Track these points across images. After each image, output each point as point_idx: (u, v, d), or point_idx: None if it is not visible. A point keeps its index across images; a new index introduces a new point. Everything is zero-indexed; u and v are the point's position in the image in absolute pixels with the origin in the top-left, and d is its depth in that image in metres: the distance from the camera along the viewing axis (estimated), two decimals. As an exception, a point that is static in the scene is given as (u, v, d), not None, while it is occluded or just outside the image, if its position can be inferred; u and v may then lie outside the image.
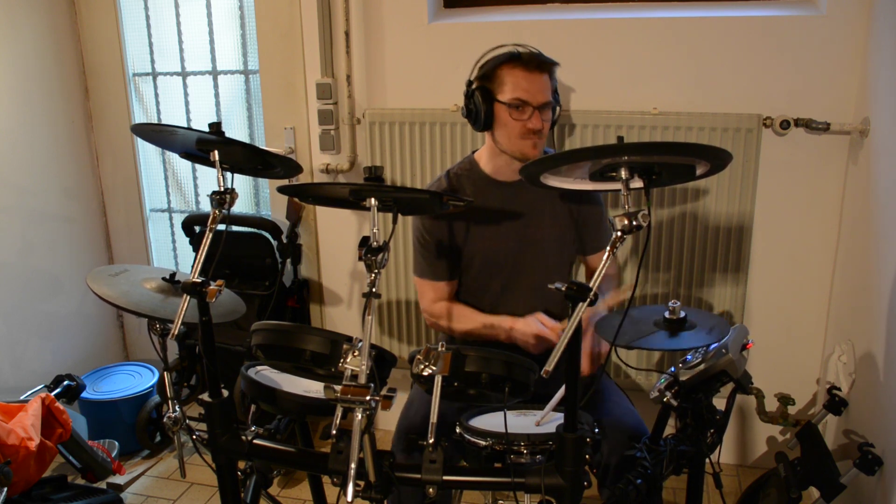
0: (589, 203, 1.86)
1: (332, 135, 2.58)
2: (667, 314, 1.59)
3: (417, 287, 1.91)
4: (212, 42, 2.77)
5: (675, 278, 2.35)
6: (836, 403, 1.97)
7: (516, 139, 1.72)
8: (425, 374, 1.27)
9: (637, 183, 1.27)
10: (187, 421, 1.66)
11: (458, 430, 1.40)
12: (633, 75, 2.29)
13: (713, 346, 1.63)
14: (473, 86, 1.77)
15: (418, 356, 1.29)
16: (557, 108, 1.81)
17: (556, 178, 1.42)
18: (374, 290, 1.23)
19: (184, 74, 2.85)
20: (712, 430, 1.62)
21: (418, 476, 1.26)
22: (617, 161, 1.23)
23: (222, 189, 1.45)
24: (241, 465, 1.57)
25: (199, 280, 1.36)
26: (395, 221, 1.37)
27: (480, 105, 1.73)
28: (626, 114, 2.27)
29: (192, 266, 1.39)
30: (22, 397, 2.24)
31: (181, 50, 2.82)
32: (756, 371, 1.86)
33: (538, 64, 1.71)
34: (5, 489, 1.82)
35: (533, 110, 1.69)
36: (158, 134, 1.65)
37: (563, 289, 1.17)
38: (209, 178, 2.96)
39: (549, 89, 1.74)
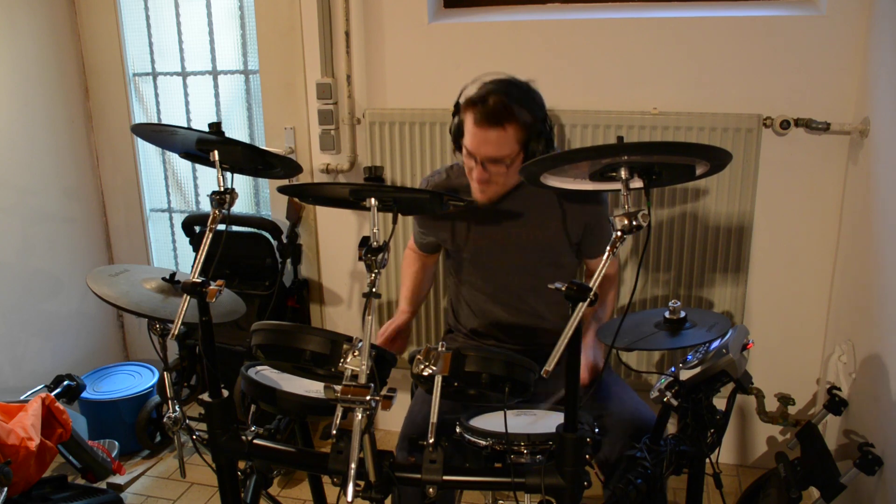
0: (595, 203, 1.84)
1: (332, 135, 2.58)
2: (667, 314, 1.60)
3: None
4: (212, 42, 2.77)
5: (675, 278, 2.35)
6: (836, 403, 1.97)
7: (469, 178, 1.75)
8: (425, 374, 1.27)
9: (637, 183, 1.27)
10: (187, 421, 1.66)
11: (458, 430, 1.40)
12: (633, 75, 2.29)
13: (714, 345, 1.63)
14: (457, 111, 1.75)
15: (418, 356, 1.29)
16: (532, 149, 1.66)
17: (556, 178, 1.42)
18: (374, 290, 1.23)
19: (184, 74, 2.85)
20: (712, 430, 1.62)
21: (418, 476, 1.26)
22: (617, 161, 1.23)
23: (222, 189, 1.45)
24: (241, 465, 1.57)
25: (199, 280, 1.36)
26: (395, 221, 1.37)
27: (454, 132, 1.76)
28: (626, 114, 2.27)
29: (192, 266, 1.39)
30: (22, 397, 2.24)
31: (181, 50, 2.83)
32: (756, 371, 1.86)
33: (486, 120, 1.61)
34: (5, 489, 1.82)
35: (477, 162, 1.67)
36: (158, 134, 1.65)
37: (563, 289, 1.17)
38: (209, 178, 2.96)
39: (504, 146, 1.63)
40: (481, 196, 1.75)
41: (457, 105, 1.74)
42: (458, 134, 1.74)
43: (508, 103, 1.61)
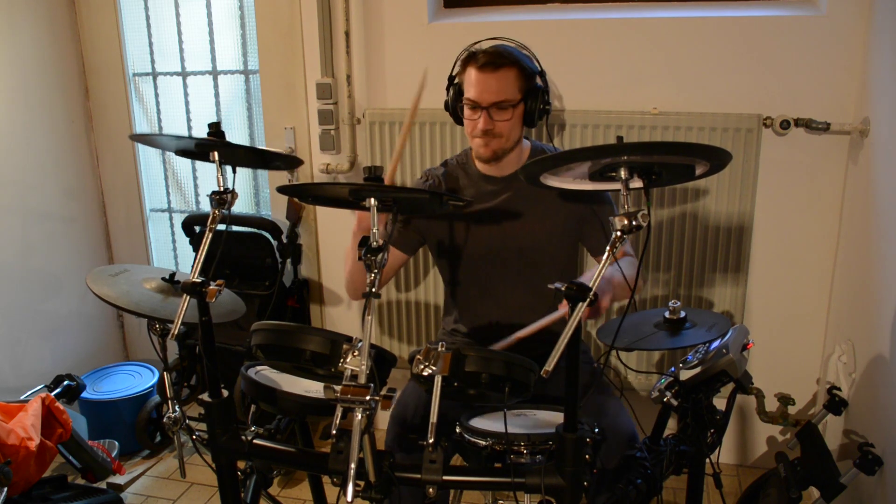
0: (595, 201, 1.83)
1: (332, 135, 2.58)
2: (667, 314, 1.59)
3: None
4: (212, 42, 2.77)
5: (675, 278, 2.35)
6: (836, 403, 1.97)
7: (470, 137, 1.79)
8: (425, 374, 1.27)
9: (637, 183, 1.27)
10: (187, 421, 1.66)
11: (458, 430, 1.40)
12: (633, 75, 2.29)
13: (714, 345, 1.63)
14: (453, 81, 1.84)
15: (418, 356, 1.29)
16: (531, 104, 1.76)
17: (555, 178, 1.42)
18: (373, 290, 1.22)
19: (184, 74, 2.85)
20: (712, 430, 1.62)
21: (418, 476, 1.26)
22: (617, 161, 1.23)
23: (222, 189, 1.45)
24: (241, 465, 1.57)
25: (199, 280, 1.36)
26: (395, 221, 1.37)
27: (453, 101, 1.83)
28: (625, 114, 2.27)
29: (192, 266, 1.39)
30: (22, 397, 2.24)
31: (181, 50, 2.83)
32: (756, 371, 1.86)
33: (489, 63, 1.70)
34: (5, 489, 1.82)
35: (482, 111, 1.72)
36: (158, 138, 1.65)
37: (563, 289, 1.17)
38: (209, 178, 2.96)
39: (508, 88, 1.71)
40: (485, 150, 1.77)
41: (458, 72, 1.81)
42: (456, 101, 1.81)
43: (505, 51, 1.73)
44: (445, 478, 1.25)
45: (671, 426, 1.67)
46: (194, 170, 2.98)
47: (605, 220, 1.84)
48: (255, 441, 1.42)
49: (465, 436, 1.38)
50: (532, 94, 1.75)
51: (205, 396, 1.42)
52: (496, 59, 1.70)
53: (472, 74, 1.73)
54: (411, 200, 1.53)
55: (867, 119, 2.03)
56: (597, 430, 1.35)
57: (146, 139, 1.64)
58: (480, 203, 1.84)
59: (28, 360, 2.74)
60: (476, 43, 1.81)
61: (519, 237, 1.83)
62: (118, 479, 2.48)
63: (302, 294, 2.78)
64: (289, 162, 1.59)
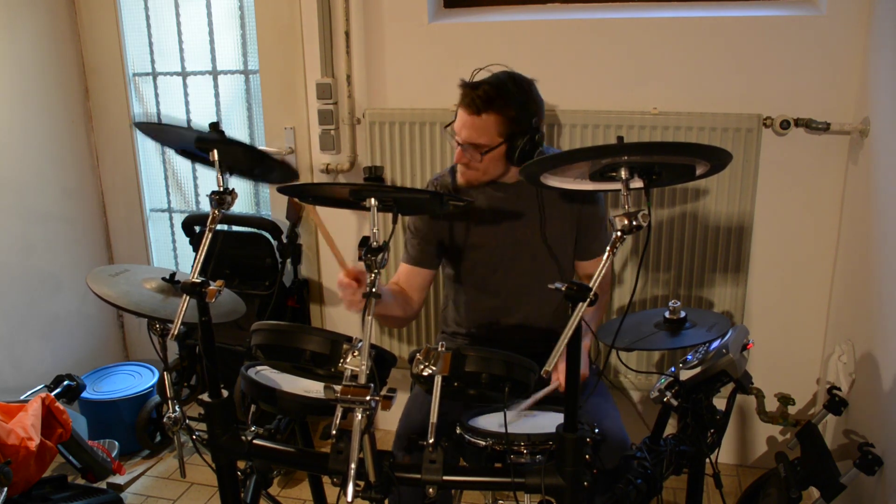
0: (590, 203, 1.85)
1: (332, 135, 2.58)
2: (667, 314, 1.60)
3: None
4: (212, 42, 2.77)
5: (675, 278, 2.35)
6: (836, 403, 1.96)
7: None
8: (425, 374, 1.27)
9: (637, 183, 1.27)
10: (187, 421, 1.66)
11: (458, 430, 1.40)
12: (633, 75, 2.29)
13: (714, 345, 1.63)
14: None
15: (418, 356, 1.29)
16: (516, 143, 1.68)
17: (556, 178, 1.42)
18: (374, 290, 1.22)
19: (184, 74, 2.85)
20: (712, 430, 1.63)
21: (418, 476, 1.26)
22: (617, 161, 1.23)
23: (222, 189, 1.45)
24: (241, 465, 1.57)
25: (198, 280, 1.36)
26: (395, 221, 1.37)
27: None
28: (626, 114, 2.27)
29: (192, 266, 1.39)
30: (22, 397, 2.24)
31: (181, 50, 2.83)
32: (756, 371, 1.86)
33: (471, 105, 1.67)
34: (5, 489, 1.82)
35: (458, 144, 1.73)
36: (160, 132, 1.65)
37: (563, 289, 1.17)
38: (209, 178, 2.96)
39: (485, 133, 1.67)
40: (460, 178, 1.80)
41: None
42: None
43: (495, 95, 1.66)
44: (445, 478, 1.25)
45: (671, 426, 1.67)
46: (194, 170, 2.98)
47: (596, 226, 1.87)
48: (255, 441, 1.42)
49: (466, 436, 1.38)
50: (519, 136, 1.68)
51: (205, 396, 1.42)
52: (477, 103, 1.66)
53: (459, 105, 1.71)
54: (411, 201, 1.53)
55: (867, 119, 2.03)
56: (597, 430, 1.35)
57: (151, 127, 1.63)
58: (489, 204, 1.84)
59: (28, 360, 2.74)
60: (481, 69, 1.75)
61: (527, 240, 1.84)
62: (118, 479, 2.48)
63: (302, 294, 2.78)
64: (285, 174, 1.59)
